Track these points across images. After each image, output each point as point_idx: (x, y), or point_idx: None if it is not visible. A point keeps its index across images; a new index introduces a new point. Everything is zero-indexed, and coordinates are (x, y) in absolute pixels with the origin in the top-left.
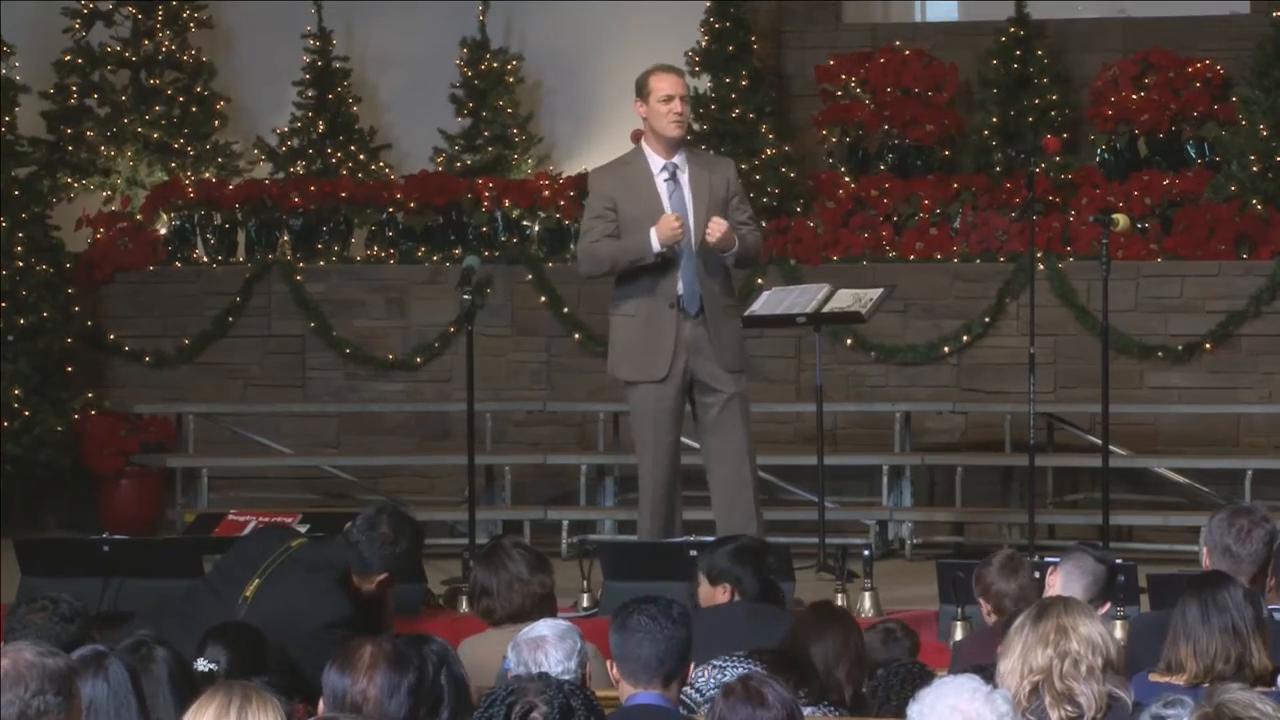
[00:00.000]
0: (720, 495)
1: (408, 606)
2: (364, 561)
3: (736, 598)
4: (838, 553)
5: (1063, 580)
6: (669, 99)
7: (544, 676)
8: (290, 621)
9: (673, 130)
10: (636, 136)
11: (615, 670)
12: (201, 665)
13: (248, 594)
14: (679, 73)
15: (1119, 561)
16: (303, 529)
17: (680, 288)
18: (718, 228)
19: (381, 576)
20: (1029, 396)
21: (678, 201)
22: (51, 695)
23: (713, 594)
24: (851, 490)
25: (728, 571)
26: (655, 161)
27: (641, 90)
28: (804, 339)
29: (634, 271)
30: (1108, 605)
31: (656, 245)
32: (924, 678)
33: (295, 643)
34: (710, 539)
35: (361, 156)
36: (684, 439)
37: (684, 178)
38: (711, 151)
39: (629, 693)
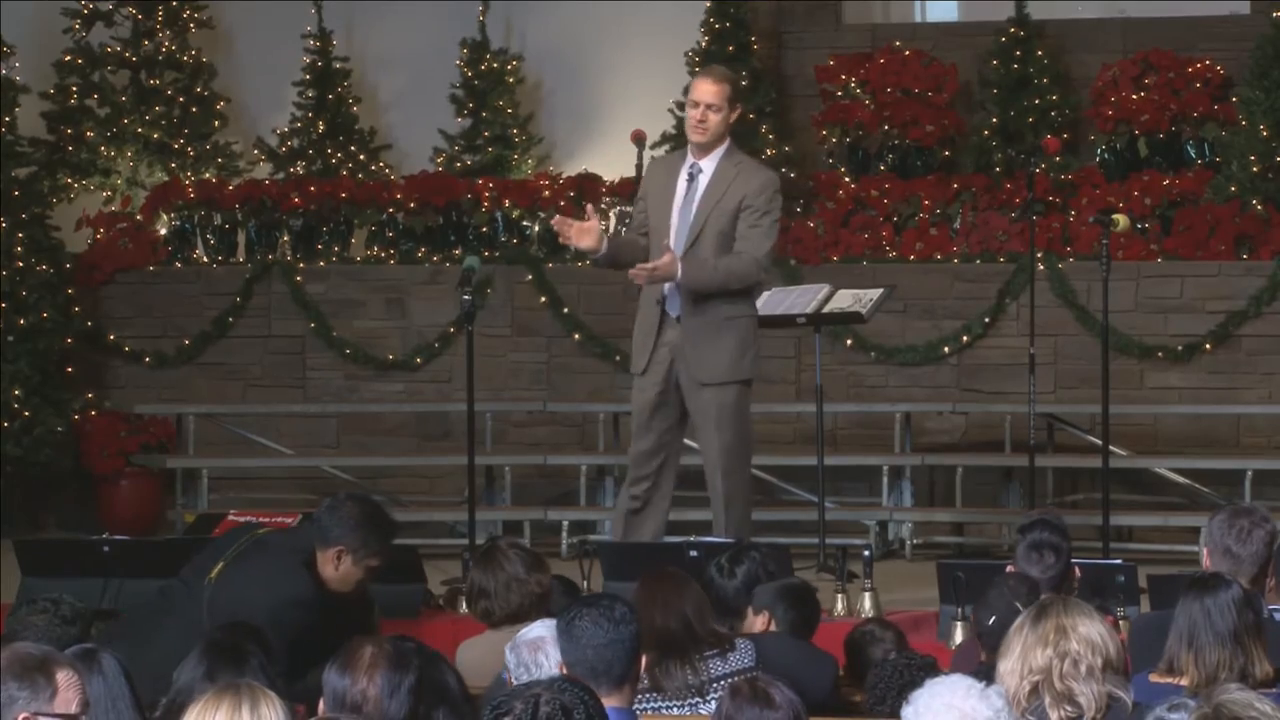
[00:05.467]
0: (711, 499)
1: (407, 608)
2: (323, 532)
3: (773, 627)
4: (838, 553)
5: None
6: (695, 105)
7: (552, 680)
8: (250, 600)
9: (692, 135)
10: (636, 136)
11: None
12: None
13: (212, 576)
14: (717, 78)
15: (1115, 561)
16: None
17: (666, 288)
18: (647, 268)
19: (338, 548)
20: (1029, 396)
21: (688, 202)
22: (15, 689)
23: (753, 622)
24: (851, 490)
25: (766, 604)
26: (688, 160)
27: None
28: (804, 339)
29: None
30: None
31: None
32: (922, 669)
33: (256, 622)
34: (709, 539)
35: (361, 156)
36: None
37: (702, 180)
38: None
39: None
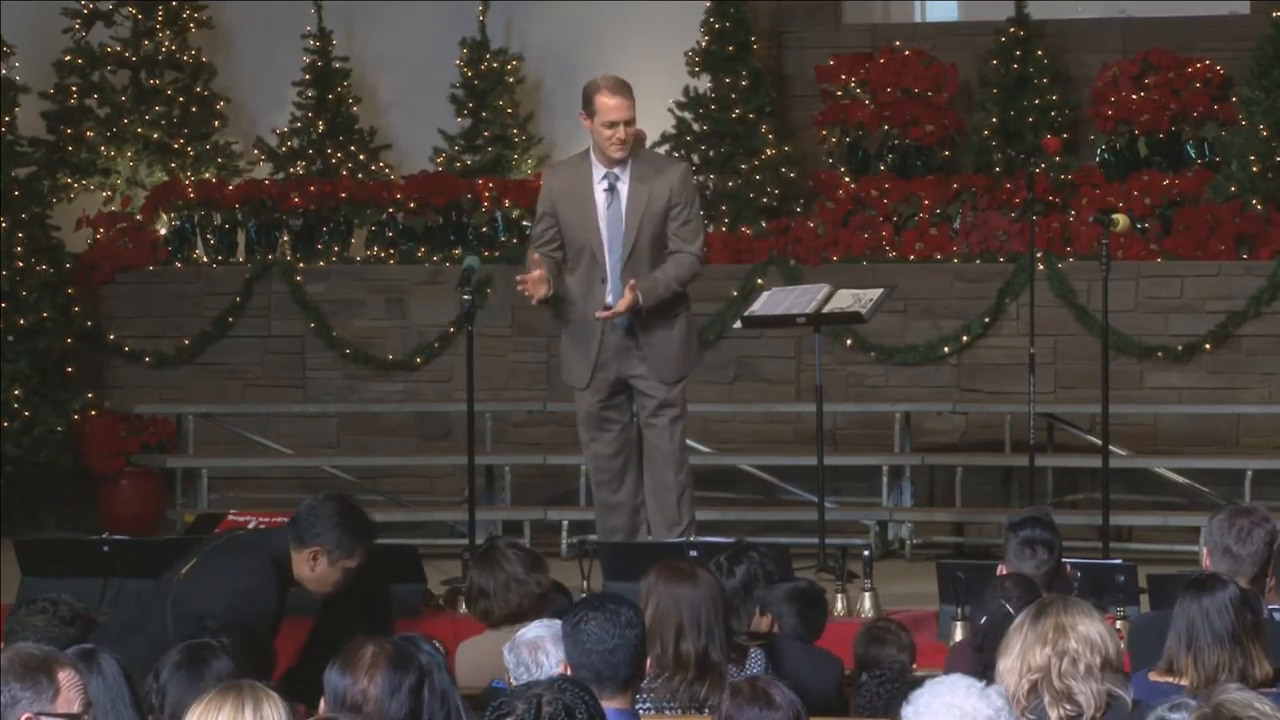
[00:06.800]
0: (650, 498)
1: (407, 608)
2: (299, 532)
3: (776, 629)
4: (838, 553)
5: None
6: (613, 125)
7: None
8: (209, 595)
9: (615, 153)
10: (637, 136)
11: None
12: None
13: (183, 572)
14: (627, 91)
15: (1115, 561)
16: None
17: (610, 299)
18: (608, 315)
19: (313, 549)
20: (1029, 396)
21: (614, 212)
22: (18, 689)
23: (759, 623)
24: (851, 490)
25: (772, 605)
26: (598, 170)
27: (588, 106)
28: (804, 339)
29: (572, 280)
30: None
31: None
32: (909, 681)
33: (216, 615)
34: (708, 538)
35: (361, 156)
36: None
37: (623, 189)
38: (666, 151)
39: None
